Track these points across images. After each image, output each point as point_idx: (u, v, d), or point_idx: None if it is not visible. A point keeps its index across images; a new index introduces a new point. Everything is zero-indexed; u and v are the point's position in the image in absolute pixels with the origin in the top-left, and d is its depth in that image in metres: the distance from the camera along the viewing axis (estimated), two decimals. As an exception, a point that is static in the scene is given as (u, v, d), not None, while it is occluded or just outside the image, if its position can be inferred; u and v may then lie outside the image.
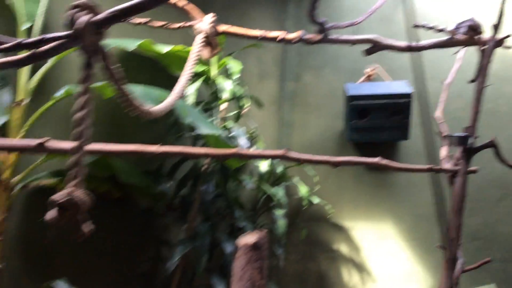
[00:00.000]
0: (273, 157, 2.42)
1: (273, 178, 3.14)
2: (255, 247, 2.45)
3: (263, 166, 2.90)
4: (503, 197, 3.44)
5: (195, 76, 2.62)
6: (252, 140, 2.78)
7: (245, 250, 2.45)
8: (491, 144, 2.53)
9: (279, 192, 2.84)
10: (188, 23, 2.34)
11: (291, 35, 2.60)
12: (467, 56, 2.71)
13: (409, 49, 2.96)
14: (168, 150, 2.03)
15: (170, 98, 1.81)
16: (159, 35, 2.80)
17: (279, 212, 2.83)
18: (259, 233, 2.55)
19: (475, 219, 3.46)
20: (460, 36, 2.92)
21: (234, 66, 2.61)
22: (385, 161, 2.52)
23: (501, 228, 3.45)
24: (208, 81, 2.66)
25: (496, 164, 2.48)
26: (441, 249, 2.45)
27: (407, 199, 3.48)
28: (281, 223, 2.78)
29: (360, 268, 3.85)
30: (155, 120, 1.60)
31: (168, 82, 2.33)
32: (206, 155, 2.14)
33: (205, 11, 2.28)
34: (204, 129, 2.14)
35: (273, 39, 2.56)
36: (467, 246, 3.60)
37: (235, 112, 2.73)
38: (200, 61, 2.87)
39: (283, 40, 2.59)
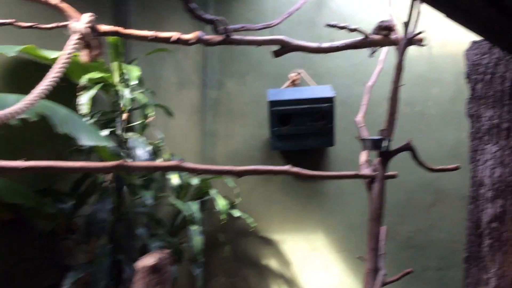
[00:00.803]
0: (165, 169, 2.17)
1: (188, 191, 2.84)
2: (154, 269, 2.22)
3: (175, 179, 2.63)
4: (436, 202, 3.30)
5: (96, 83, 2.32)
6: (158, 151, 2.49)
7: (143, 273, 2.23)
8: (407, 147, 2.41)
9: (192, 206, 2.58)
10: (62, 23, 2.09)
11: (187, 36, 2.38)
12: (392, 58, 2.50)
13: (320, 50, 2.79)
14: (33, 165, 1.75)
15: (18, 105, 1.54)
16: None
17: (194, 228, 2.56)
18: (159, 254, 2.31)
19: (407, 227, 3.31)
20: (373, 36, 2.81)
21: (131, 72, 2.36)
22: (295, 169, 2.29)
23: (435, 235, 3.28)
24: (109, 90, 2.38)
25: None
26: (362, 260, 2.46)
27: (338, 209, 3.31)
28: (197, 240, 2.54)
29: (291, 283, 3.64)
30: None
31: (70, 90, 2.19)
32: (80, 170, 1.88)
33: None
34: (85, 140, 2.01)
35: (166, 40, 2.33)
36: (401, 255, 3.46)
37: (139, 122, 2.43)
38: (99, 68, 2.62)
39: (178, 41, 2.37)
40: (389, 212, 3.28)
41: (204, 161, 3.54)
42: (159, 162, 2.39)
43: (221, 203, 2.85)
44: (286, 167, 2.19)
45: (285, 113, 3.24)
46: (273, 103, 3.22)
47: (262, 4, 3.81)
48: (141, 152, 2.26)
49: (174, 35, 2.32)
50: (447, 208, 3.22)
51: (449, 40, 3.21)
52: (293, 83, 3.51)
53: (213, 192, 2.93)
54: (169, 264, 2.35)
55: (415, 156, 2.42)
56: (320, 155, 3.47)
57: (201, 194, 3.28)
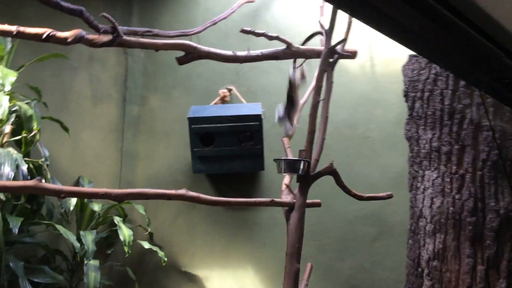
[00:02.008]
0: (19, 189, 1.75)
1: (89, 219, 2.41)
2: None
3: (70, 204, 2.20)
4: (379, 236, 3.07)
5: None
6: (41, 171, 2.06)
7: None
8: (329, 171, 2.24)
9: (86, 237, 2.14)
10: None
11: (65, 34, 1.99)
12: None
13: (236, 59, 2.47)
14: None
15: None
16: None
17: (91, 263, 2.11)
18: None
19: (348, 263, 3.09)
20: (298, 47, 2.57)
21: (6, 77, 1.94)
22: (192, 194, 2.03)
23: (379, 273, 3.06)
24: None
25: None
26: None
27: (270, 241, 3.10)
28: (92, 277, 2.08)
29: None
30: None
31: None
32: None
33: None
34: None
35: (36, 37, 1.94)
36: None
37: (20, 137, 2.02)
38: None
39: (52, 39, 1.98)
40: (328, 246, 3.19)
41: (120, 185, 3.32)
42: (11, 182, 1.92)
43: (125, 233, 2.41)
44: (182, 191, 1.97)
45: (207, 131, 3.05)
46: (193, 120, 3.03)
47: (192, 14, 3.48)
48: (7, 170, 1.81)
49: (46, 31, 1.93)
50: (392, 242, 3.01)
51: (393, 58, 3.09)
52: (223, 100, 3.33)
53: (117, 219, 2.49)
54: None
55: (338, 181, 2.26)
56: (252, 179, 3.25)
57: (107, 222, 2.84)
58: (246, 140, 3.10)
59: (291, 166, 2.14)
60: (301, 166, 2.13)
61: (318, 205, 2.43)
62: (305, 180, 2.16)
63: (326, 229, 3.10)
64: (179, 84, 3.46)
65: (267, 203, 2.18)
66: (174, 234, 3.36)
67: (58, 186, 1.80)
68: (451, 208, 2.35)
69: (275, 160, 2.18)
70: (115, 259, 3.31)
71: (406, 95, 2.67)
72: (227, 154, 3.06)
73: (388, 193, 2.42)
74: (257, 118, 2.99)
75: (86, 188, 1.82)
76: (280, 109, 2.45)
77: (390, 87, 3.12)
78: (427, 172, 2.53)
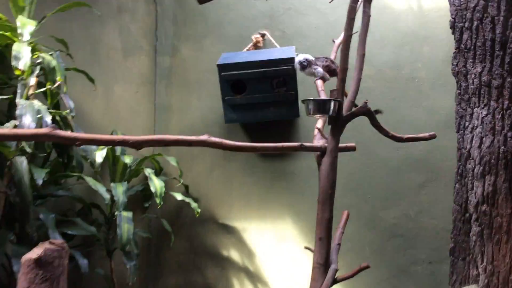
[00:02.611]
0: (32, 137, 1.72)
1: (120, 171, 2.41)
2: (39, 263, 1.82)
3: (98, 156, 2.19)
4: (426, 182, 2.95)
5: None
6: (66, 123, 2.06)
7: (26, 268, 1.83)
8: (363, 111, 2.08)
9: (116, 189, 2.12)
10: None
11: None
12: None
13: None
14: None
15: None
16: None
17: (124, 214, 2.11)
18: (48, 245, 1.90)
19: (392, 212, 2.98)
20: None
21: (25, 26, 1.91)
22: (214, 139, 1.94)
23: (425, 221, 2.93)
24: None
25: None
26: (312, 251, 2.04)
27: (309, 191, 3.01)
28: (125, 228, 2.08)
29: (255, 278, 3.26)
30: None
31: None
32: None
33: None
34: None
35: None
36: (385, 245, 3.04)
37: (45, 88, 2.02)
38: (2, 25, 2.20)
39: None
40: (370, 195, 3.09)
41: None
42: (22, 130, 1.90)
43: (156, 185, 2.38)
44: (203, 137, 1.89)
45: (238, 78, 2.96)
46: (223, 67, 2.93)
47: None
48: (28, 121, 1.79)
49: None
50: (440, 189, 2.89)
51: (442, -10, 2.78)
52: (256, 46, 3.22)
53: (148, 171, 2.45)
54: (63, 257, 1.92)
55: (374, 123, 2.11)
56: (287, 127, 3.17)
57: (141, 175, 2.84)
58: (279, 86, 2.98)
59: (320, 107, 2.04)
60: (331, 107, 2.03)
61: (352, 149, 2.31)
62: (337, 121, 2.06)
63: (368, 177, 3.01)
64: (210, 32, 3.37)
65: (296, 147, 2.09)
66: (210, 187, 3.26)
67: (73, 133, 1.73)
68: (502, 147, 2.19)
69: (303, 101, 2.10)
70: (153, 212, 3.30)
71: (453, 26, 2.44)
72: (260, 102, 2.98)
73: (431, 133, 2.22)
74: (290, 61, 2.83)
75: (103, 136, 1.74)
76: (301, 57, 2.44)
77: (438, 22, 2.94)
78: (476, 109, 2.34)
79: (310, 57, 2.57)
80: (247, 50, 3.18)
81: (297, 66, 2.53)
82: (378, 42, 3.11)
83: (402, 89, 3.03)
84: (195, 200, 3.12)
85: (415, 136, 2.23)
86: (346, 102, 2.13)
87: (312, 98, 2.05)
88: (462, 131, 2.42)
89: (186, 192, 3.27)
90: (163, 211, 3.30)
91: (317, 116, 2.16)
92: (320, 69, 2.57)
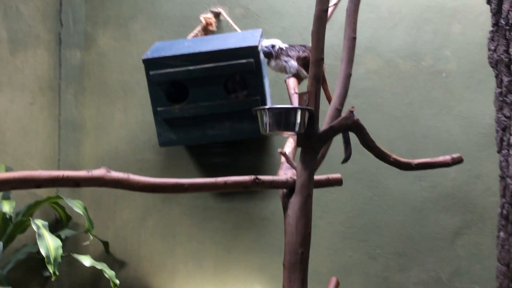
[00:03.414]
0: None
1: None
2: None
3: None
4: (464, 228, 3.01)
5: None
6: None
7: None
8: (346, 123, 2.07)
9: None
10: None
11: None
12: None
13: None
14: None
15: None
16: None
17: None
18: None
19: (414, 274, 3.03)
20: None
21: None
22: (115, 175, 1.86)
23: (463, 286, 2.98)
24: None
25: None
26: None
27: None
28: None
29: None
30: None
31: None
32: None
33: None
34: None
35: None
36: None
37: None
38: None
39: None
40: (381, 249, 3.11)
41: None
42: None
43: (49, 246, 2.41)
44: (99, 172, 1.84)
45: (175, 79, 2.99)
46: (152, 63, 2.95)
47: None
48: None
49: None
50: (484, 237, 2.93)
51: None
52: (206, 31, 3.26)
53: (37, 224, 2.38)
54: None
55: (364, 140, 2.12)
56: (254, 150, 3.27)
57: (26, 229, 2.80)
58: (237, 89, 3.02)
59: (280, 119, 1.99)
60: (298, 119, 1.99)
61: (337, 182, 2.27)
62: (309, 141, 2.04)
63: (377, 222, 3.05)
64: (140, 13, 3.42)
65: (247, 183, 2.06)
66: (143, 243, 3.28)
67: None
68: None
69: (254, 111, 2.05)
70: (58, 285, 3.23)
71: (488, -6, 2.35)
72: (209, 114, 2.99)
73: (455, 155, 2.19)
74: (253, 51, 2.85)
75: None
76: (267, 43, 2.55)
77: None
78: (523, 116, 2.19)
79: (280, 44, 2.57)
80: (194, 36, 3.22)
81: (261, 56, 2.54)
82: (385, 21, 3.10)
83: (422, 89, 3.06)
84: (119, 264, 3.09)
85: (431, 161, 2.20)
86: (329, 111, 2.11)
87: (267, 107, 2.02)
88: (506, 151, 2.26)
89: (106, 252, 3.20)
90: (71, 283, 3.20)
91: (280, 133, 2.10)
92: (293, 62, 2.57)
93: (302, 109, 1.96)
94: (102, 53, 3.47)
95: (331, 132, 2.04)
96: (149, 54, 2.98)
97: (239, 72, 2.96)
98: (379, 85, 3.11)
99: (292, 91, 2.49)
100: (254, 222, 3.22)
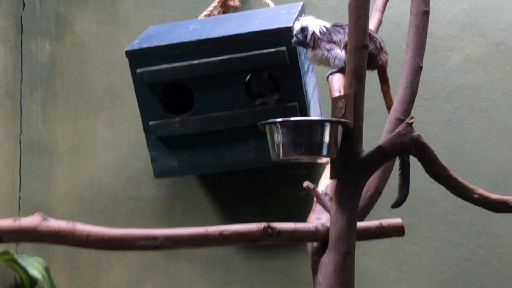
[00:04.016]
0: None
1: None
2: None
3: None
4: None
5: None
6: None
7: None
8: (406, 143, 2.00)
9: None
10: None
11: None
12: None
13: None
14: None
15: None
16: None
17: None
18: None
19: None
20: None
21: None
22: (58, 225, 1.90)
23: None
24: None
25: None
26: None
27: None
28: None
29: None
30: None
31: None
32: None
33: None
34: None
35: None
36: None
37: None
38: None
39: None
40: None
41: (20, 212, 3.50)
42: None
43: None
44: (30, 220, 1.89)
45: (174, 80, 3.06)
46: (139, 58, 3.02)
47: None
48: None
49: None
50: None
51: None
52: (226, 7, 3.38)
53: None
54: None
55: (429, 166, 2.06)
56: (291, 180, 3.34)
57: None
58: (265, 92, 3.05)
59: (299, 138, 2.00)
60: (325, 138, 1.97)
61: (396, 231, 2.24)
62: (346, 171, 2.03)
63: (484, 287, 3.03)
64: None
65: (257, 235, 2.08)
66: None
67: None
68: None
69: (260, 124, 2.09)
70: None
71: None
72: (225, 128, 3.04)
73: None
74: (283, 36, 2.87)
75: None
76: (302, 24, 2.59)
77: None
78: None
79: (317, 26, 2.57)
80: (207, 15, 3.32)
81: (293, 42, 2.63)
82: None
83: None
84: None
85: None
86: (387, 123, 2.16)
87: (279, 120, 2.00)
88: None
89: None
90: None
91: (301, 159, 2.14)
92: (338, 51, 2.56)
93: (333, 122, 1.95)
94: (81, 44, 3.55)
95: (380, 155, 2.00)
96: (136, 43, 3.04)
97: (266, 67, 2.98)
98: (483, 80, 3.15)
99: (336, 94, 2.48)
100: (286, 282, 3.28)
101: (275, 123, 1.98)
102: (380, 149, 1.98)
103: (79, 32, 3.57)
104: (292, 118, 2.10)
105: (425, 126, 3.15)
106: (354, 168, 1.98)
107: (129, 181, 3.47)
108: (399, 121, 2.09)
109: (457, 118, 3.08)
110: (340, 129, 1.95)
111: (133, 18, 3.49)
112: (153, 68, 3.01)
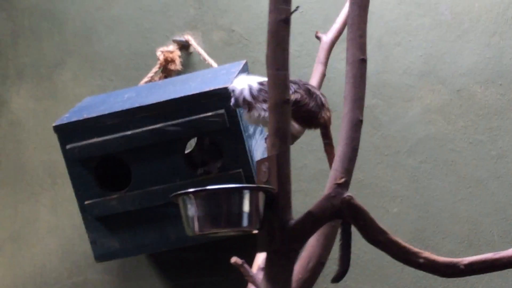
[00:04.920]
0: None
1: None
2: None
3: None
4: None
5: None
6: None
7: None
8: (335, 205, 1.93)
9: None
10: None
11: None
12: None
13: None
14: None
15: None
16: None
17: None
18: None
19: None
20: None
21: None
22: None
23: None
24: None
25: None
26: None
27: None
28: None
29: None
30: None
31: None
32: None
33: None
34: None
35: None
36: None
37: None
38: None
39: None
40: None
41: None
42: None
43: None
44: None
45: (108, 154, 3.02)
46: (68, 133, 2.98)
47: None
48: None
49: None
50: None
51: None
52: (167, 71, 3.39)
53: None
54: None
55: (367, 231, 1.98)
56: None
57: None
58: (207, 159, 3.04)
59: (215, 209, 1.92)
60: (244, 207, 1.89)
61: None
62: (272, 243, 1.94)
63: None
64: (70, 55, 3.53)
65: None
66: None
67: None
68: None
69: (173, 196, 1.99)
70: None
71: None
72: (167, 203, 2.81)
73: None
74: (221, 98, 2.85)
75: None
76: (238, 84, 2.57)
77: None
78: None
79: (256, 82, 2.53)
80: (149, 81, 3.37)
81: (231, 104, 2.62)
82: (449, 26, 3.16)
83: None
84: None
85: (492, 257, 2.01)
86: (326, 189, 1.97)
87: (192, 190, 1.91)
88: None
89: None
90: None
91: (220, 233, 2.02)
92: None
93: (252, 189, 1.88)
94: (17, 122, 3.54)
95: (310, 223, 1.90)
96: (66, 118, 3.02)
97: (205, 133, 2.98)
98: (446, 130, 3.15)
99: None
100: None
101: (187, 194, 1.89)
102: (309, 216, 1.87)
103: (14, 109, 3.55)
104: (207, 187, 1.96)
105: (388, 184, 3.10)
106: (282, 239, 1.88)
107: (75, 267, 3.41)
108: (337, 185, 1.93)
109: (421, 173, 3.06)
110: (260, 197, 1.87)
111: (71, 91, 3.48)
112: (84, 142, 2.96)
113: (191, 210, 1.89)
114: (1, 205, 3.57)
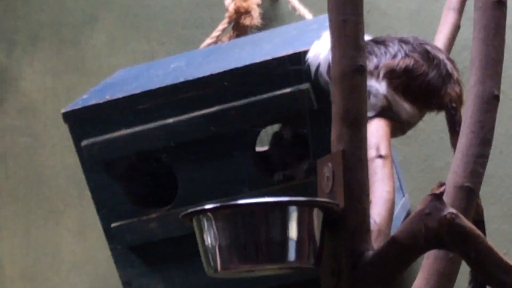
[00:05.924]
0: None
1: None
2: None
3: None
4: None
5: None
6: None
7: None
8: (432, 227, 1.87)
9: None
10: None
11: None
12: None
13: None
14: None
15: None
16: None
17: None
18: None
19: None
20: None
21: None
22: None
23: None
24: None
25: None
26: None
27: None
28: None
29: None
30: None
31: None
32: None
33: None
34: None
35: None
36: None
37: None
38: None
39: None
40: None
41: None
42: None
43: None
44: None
45: (140, 154, 3.05)
46: (81, 123, 3.01)
47: None
48: None
49: None
50: None
51: None
52: (239, 29, 3.51)
53: None
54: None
55: (479, 266, 1.93)
56: None
57: None
58: (287, 159, 3.00)
59: (247, 239, 1.90)
60: (293, 234, 1.88)
61: None
62: (340, 285, 1.93)
63: None
64: (106, 4, 3.61)
65: None
66: None
67: None
68: None
69: (184, 216, 1.97)
70: None
71: None
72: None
73: None
74: (306, 70, 2.76)
75: None
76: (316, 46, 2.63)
77: None
78: None
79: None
80: (212, 43, 3.44)
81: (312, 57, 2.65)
82: None
83: None
84: None
85: None
86: (445, 194, 2.02)
87: (211, 206, 1.92)
88: None
89: None
90: None
91: (255, 270, 1.99)
92: (373, 83, 2.59)
93: (303, 205, 1.86)
94: (29, 107, 3.68)
95: (393, 255, 1.82)
96: (81, 101, 3.03)
97: (283, 120, 2.95)
98: None
99: (373, 153, 2.39)
100: None
101: (203, 211, 1.86)
102: (393, 244, 1.78)
103: (27, 91, 3.66)
104: (233, 202, 1.93)
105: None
106: (352, 281, 1.81)
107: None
108: (462, 189, 1.94)
109: None
110: (319, 217, 1.83)
111: (106, 61, 3.54)
112: (106, 136, 2.95)
113: (211, 236, 1.84)
114: (9, 229, 3.66)
